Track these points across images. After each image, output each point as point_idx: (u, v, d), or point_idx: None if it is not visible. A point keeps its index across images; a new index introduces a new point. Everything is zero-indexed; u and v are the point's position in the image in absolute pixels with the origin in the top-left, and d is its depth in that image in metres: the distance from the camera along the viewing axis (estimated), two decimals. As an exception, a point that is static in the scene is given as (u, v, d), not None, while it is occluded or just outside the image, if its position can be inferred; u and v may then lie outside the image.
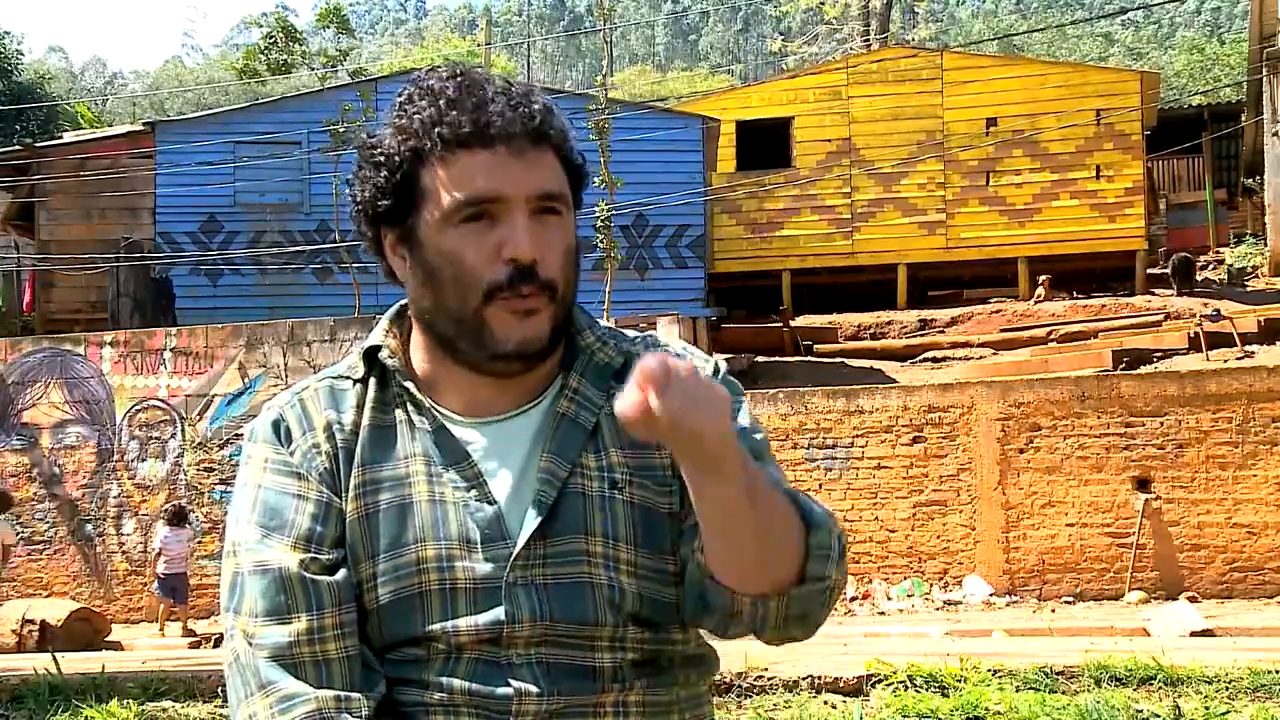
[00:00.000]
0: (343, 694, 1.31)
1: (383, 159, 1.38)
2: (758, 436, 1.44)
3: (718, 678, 1.59)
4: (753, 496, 1.26)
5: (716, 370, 1.47)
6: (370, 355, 1.45)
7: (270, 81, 30.66)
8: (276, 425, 1.42)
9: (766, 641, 1.40)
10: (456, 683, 1.34)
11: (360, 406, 1.42)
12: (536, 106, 1.38)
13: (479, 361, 1.38)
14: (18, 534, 13.61)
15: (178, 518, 12.68)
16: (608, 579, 1.36)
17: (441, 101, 1.36)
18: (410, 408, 1.41)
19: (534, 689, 1.33)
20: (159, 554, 12.44)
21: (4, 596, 12.72)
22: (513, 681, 1.33)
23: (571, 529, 1.36)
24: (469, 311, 1.35)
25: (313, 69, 28.66)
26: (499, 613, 1.33)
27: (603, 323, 1.50)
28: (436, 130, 1.35)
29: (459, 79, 1.38)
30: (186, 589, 12.54)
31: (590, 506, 1.37)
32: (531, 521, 1.35)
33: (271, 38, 28.37)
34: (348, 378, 1.45)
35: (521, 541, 1.34)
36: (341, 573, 1.36)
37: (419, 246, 1.38)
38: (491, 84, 1.39)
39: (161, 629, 12.50)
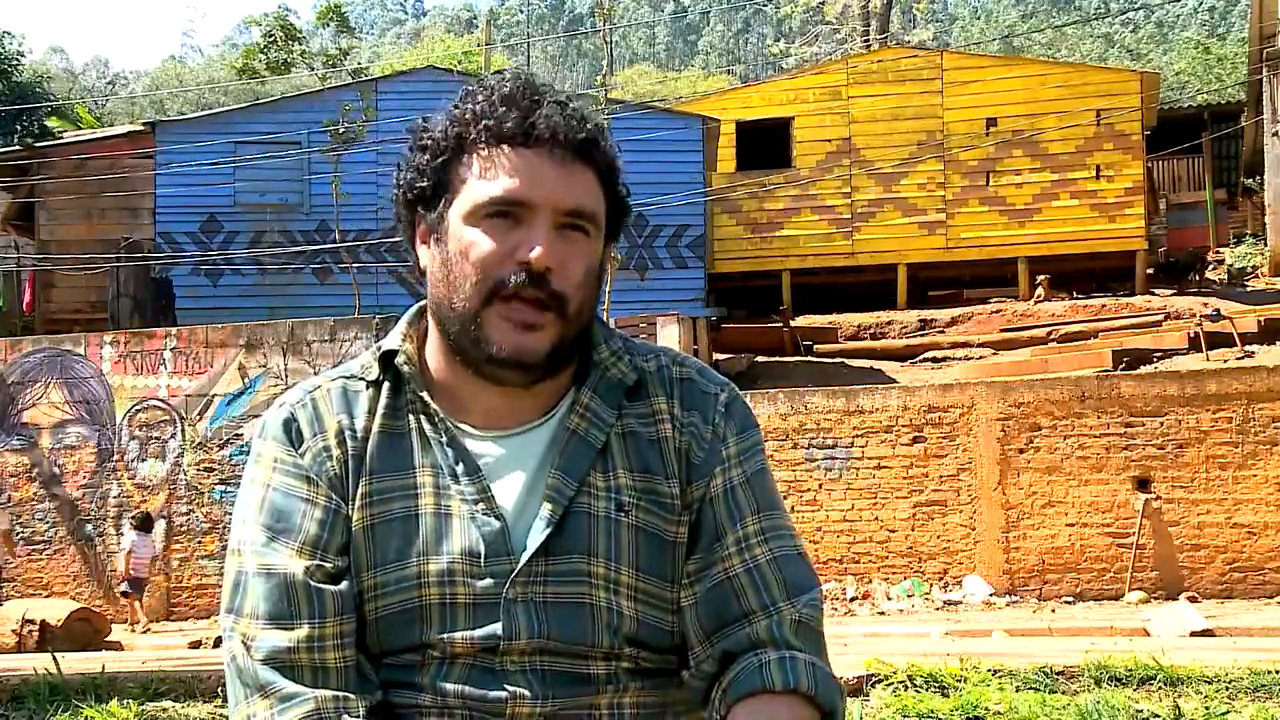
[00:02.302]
0: (341, 694, 1.31)
1: (429, 143, 1.39)
2: (767, 487, 1.43)
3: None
4: None
5: (730, 401, 1.45)
6: (386, 359, 1.43)
7: (270, 81, 30.65)
8: (288, 425, 1.41)
9: None
10: (450, 686, 1.33)
11: (372, 412, 1.41)
12: (589, 124, 1.38)
13: (479, 365, 1.36)
14: (17, 534, 13.63)
15: (145, 523, 12.98)
16: (608, 601, 1.35)
17: (495, 98, 1.37)
18: (423, 417, 1.40)
19: (528, 692, 1.32)
20: (129, 554, 12.70)
21: (3, 596, 12.73)
22: (507, 685, 1.32)
23: (575, 548, 1.35)
24: (471, 309, 1.34)
25: (312, 69, 28.63)
26: (496, 628, 1.32)
27: (620, 333, 1.48)
28: (484, 123, 1.35)
29: (519, 81, 1.39)
30: (144, 590, 12.85)
31: (596, 527, 1.36)
32: (537, 538, 1.34)
33: (271, 36, 28.32)
34: (361, 378, 1.43)
35: (525, 558, 1.33)
36: (345, 582, 1.35)
37: (444, 236, 1.37)
38: (551, 93, 1.39)
39: (132, 625, 12.56)
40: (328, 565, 1.35)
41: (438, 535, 1.35)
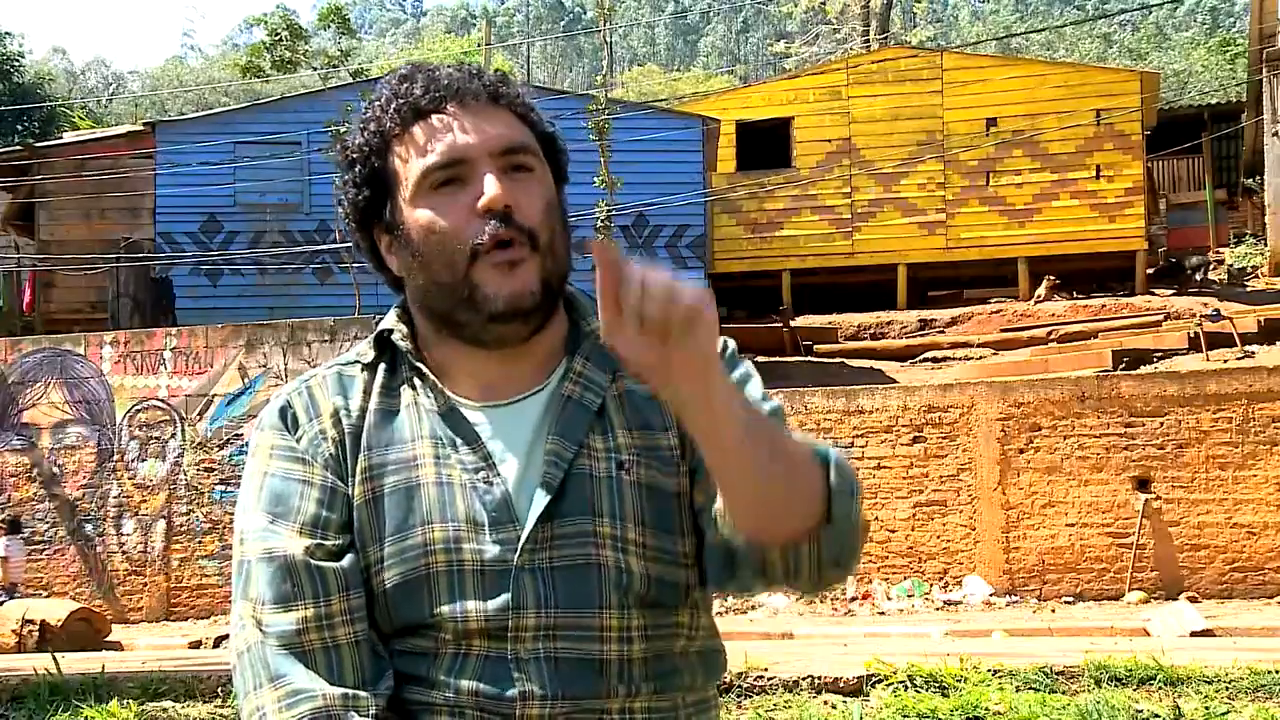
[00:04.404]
0: (350, 692, 1.32)
1: (355, 155, 1.42)
2: (768, 405, 1.43)
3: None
4: (757, 434, 1.24)
5: (724, 348, 1.47)
6: (381, 339, 1.46)
7: (271, 81, 30.72)
8: (283, 413, 1.43)
9: (804, 592, 1.39)
10: (464, 683, 1.34)
11: (368, 392, 1.43)
12: (489, 73, 1.43)
13: (479, 330, 1.38)
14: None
15: (15, 526, 13.04)
16: (615, 560, 1.35)
17: (395, 82, 1.42)
18: (419, 389, 1.42)
19: (539, 690, 1.32)
20: (5, 560, 12.71)
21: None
22: (518, 680, 1.33)
23: (579, 510, 1.36)
24: (458, 276, 1.36)
25: (314, 69, 28.70)
26: (506, 599, 1.33)
27: None
28: (393, 107, 1.39)
29: (411, 65, 1.44)
30: (14, 597, 12.72)
31: (597, 487, 1.37)
32: (539, 503, 1.35)
33: (277, 35, 28.42)
34: (357, 363, 1.46)
35: (530, 524, 1.34)
36: (348, 558, 1.36)
37: (403, 230, 1.39)
38: (445, 65, 1.44)
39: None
40: (328, 543, 1.36)
41: (440, 503, 1.36)
